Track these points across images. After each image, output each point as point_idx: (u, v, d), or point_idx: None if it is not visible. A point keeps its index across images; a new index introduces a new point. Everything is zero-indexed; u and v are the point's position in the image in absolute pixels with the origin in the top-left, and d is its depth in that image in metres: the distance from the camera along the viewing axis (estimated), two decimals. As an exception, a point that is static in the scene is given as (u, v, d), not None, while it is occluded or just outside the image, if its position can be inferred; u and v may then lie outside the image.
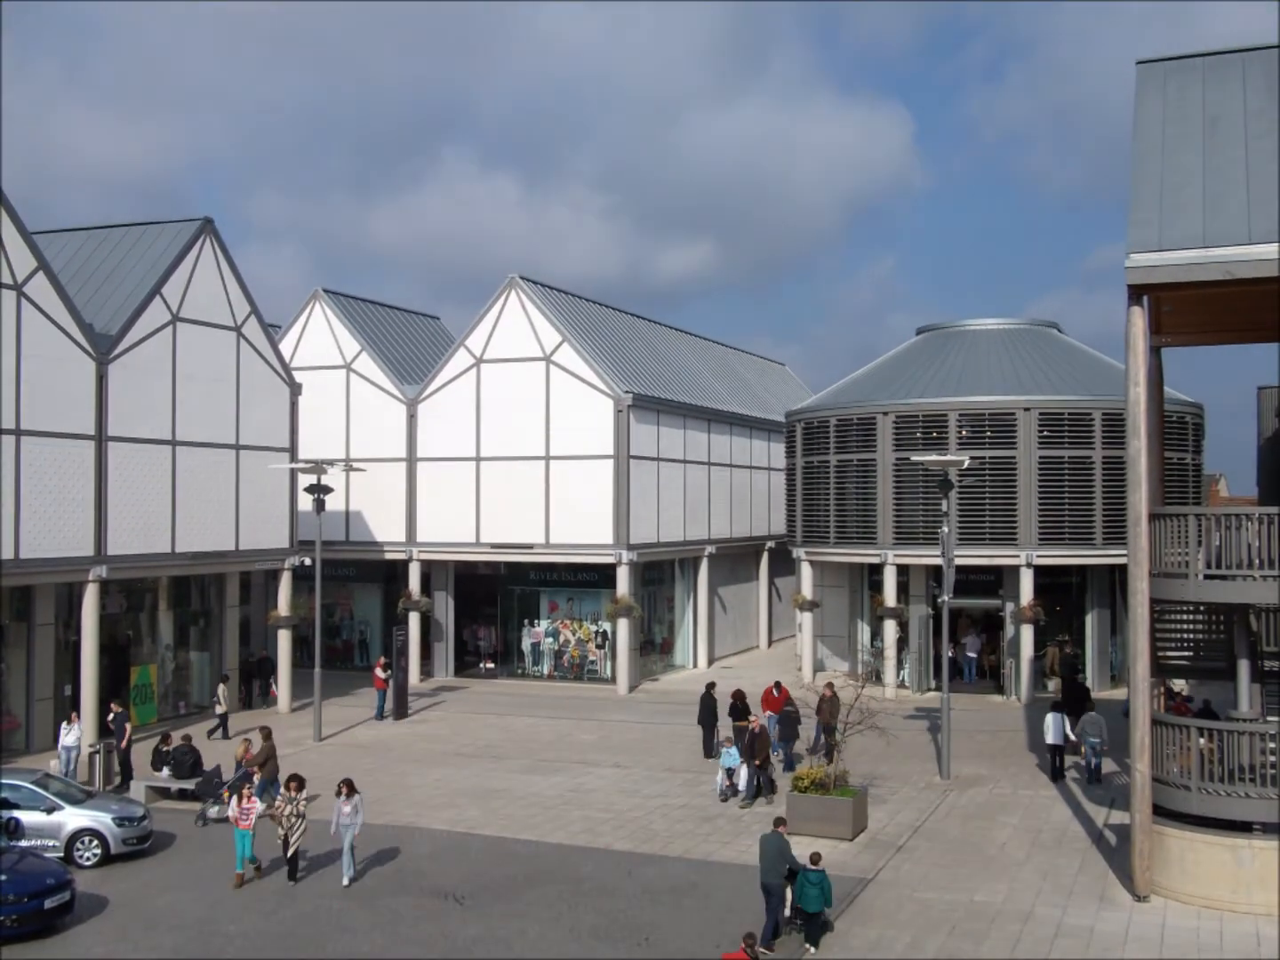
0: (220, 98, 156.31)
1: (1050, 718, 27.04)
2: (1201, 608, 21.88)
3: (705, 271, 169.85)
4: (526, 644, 43.71)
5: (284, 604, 36.78)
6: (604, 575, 41.22)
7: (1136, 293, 18.95)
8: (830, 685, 28.23)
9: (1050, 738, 26.93)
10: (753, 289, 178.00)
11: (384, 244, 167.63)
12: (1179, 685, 30.88)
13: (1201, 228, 18.57)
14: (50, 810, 21.04)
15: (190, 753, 25.64)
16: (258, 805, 20.81)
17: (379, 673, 35.62)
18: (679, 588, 46.74)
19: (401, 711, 35.21)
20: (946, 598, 28.57)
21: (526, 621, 43.78)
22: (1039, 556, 36.90)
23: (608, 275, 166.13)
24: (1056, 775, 26.83)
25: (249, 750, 25.74)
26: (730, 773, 25.37)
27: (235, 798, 20.66)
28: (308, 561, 34.84)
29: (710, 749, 29.38)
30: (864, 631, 42.61)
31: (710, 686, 30.27)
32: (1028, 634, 37.06)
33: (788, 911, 17.14)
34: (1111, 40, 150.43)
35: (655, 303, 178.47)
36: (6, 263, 28.04)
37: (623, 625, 40.34)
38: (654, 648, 45.02)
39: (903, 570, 39.10)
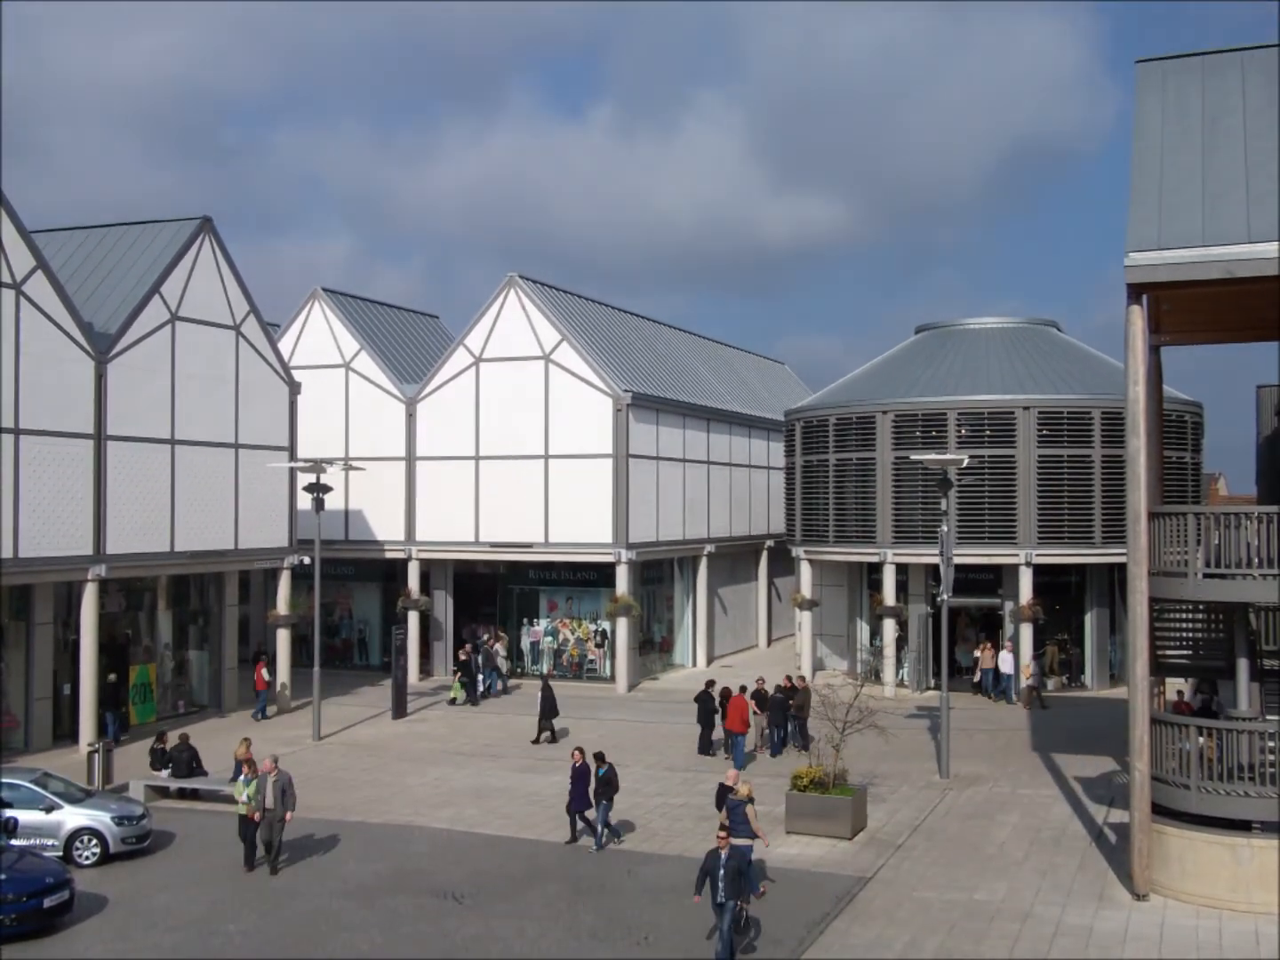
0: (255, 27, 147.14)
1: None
2: (1201, 607, 21.88)
3: (825, 237, 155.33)
4: (526, 643, 43.70)
5: (283, 603, 36.76)
6: (603, 574, 41.21)
7: (1136, 291, 18.95)
8: (800, 678, 29.42)
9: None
10: (881, 259, 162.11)
11: (432, 201, 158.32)
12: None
13: (1201, 226, 18.57)
14: (49, 809, 21.02)
15: (188, 751, 25.63)
16: None
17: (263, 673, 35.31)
18: (678, 587, 46.73)
19: (400, 711, 35.19)
20: (946, 596, 28.58)
21: (526, 620, 43.76)
22: (1038, 555, 36.91)
23: (709, 234, 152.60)
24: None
25: (249, 749, 25.74)
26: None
27: None
28: (307, 560, 34.80)
29: (706, 746, 29.48)
30: (863, 630, 42.62)
31: (709, 685, 30.34)
32: (1027, 633, 37.07)
33: None
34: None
35: (763, 269, 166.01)
36: (5, 262, 28.01)
37: (622, 624, 40.32)
38: (653, 647, 45.00)
39: (902, 569, 39.11)
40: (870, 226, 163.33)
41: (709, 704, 29.66)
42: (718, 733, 29.67)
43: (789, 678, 31.78)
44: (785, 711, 29.95)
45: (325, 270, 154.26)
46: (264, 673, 35.31)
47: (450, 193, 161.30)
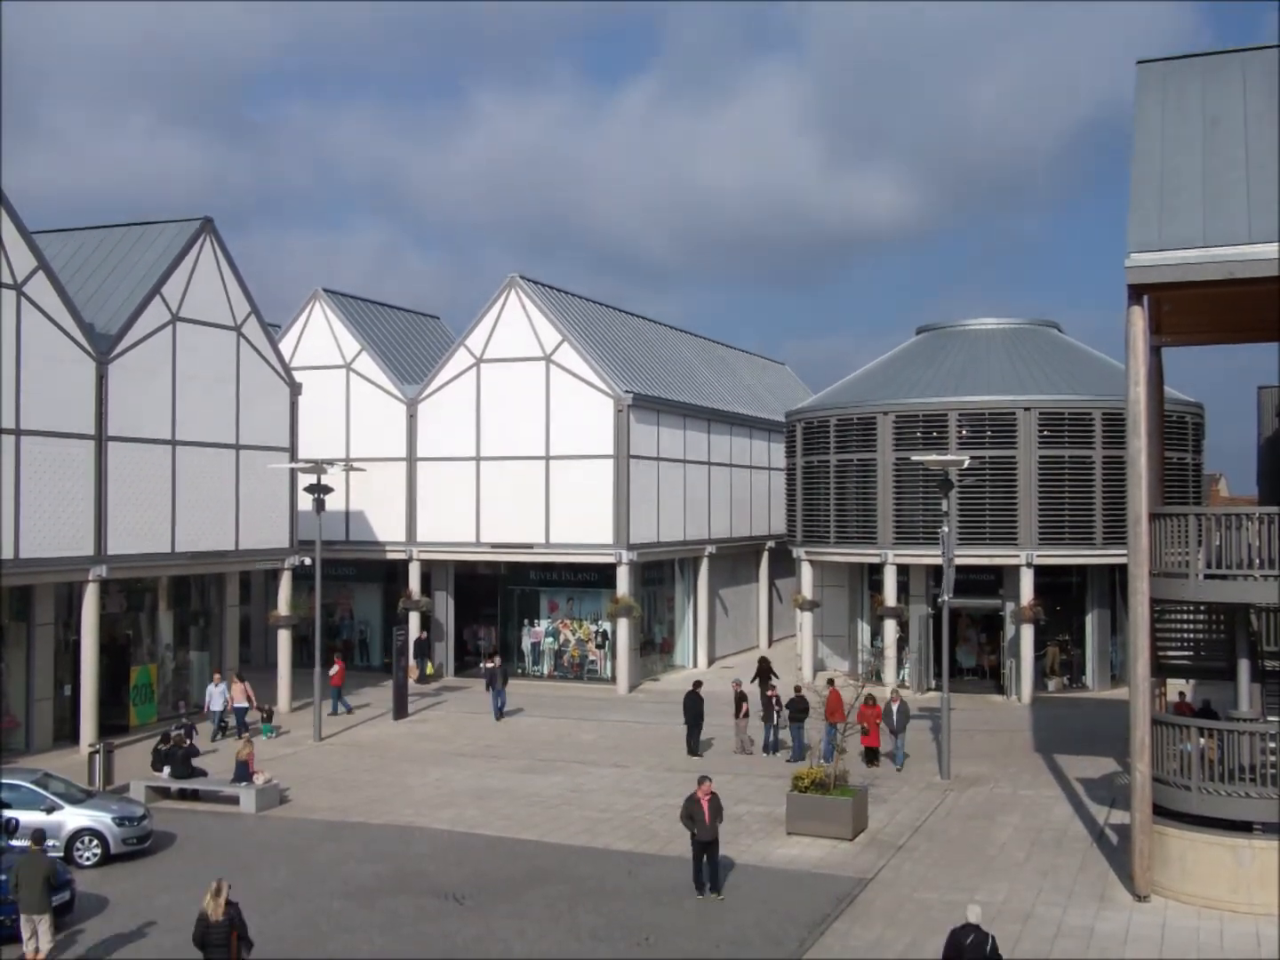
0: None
1: None
2: (1202, 607, 21.88)
3: (881, 224, 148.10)
4: (526, 644, 43.70)
5: (284, 604, 36.75)
6: (604, 575, 41.20)
7: (1137, 292, 18.96)
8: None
9: None
10: (941, 247, 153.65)
11: (458, 187, 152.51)
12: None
13: (1201, 227, 18.57)
14: (50, 810, 21.02)
15: (183, 748, 25.63)
16: None
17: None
18: (679, 588, 46.72)
19: (401, 711, 35.19)
20: (947, 597, 28.57)
21: (526, 621, 43.76)
22: (1039, 556, 36.90)
23: (757, 220, 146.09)
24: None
25: (251, 750, 25.76)
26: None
27: None
28: (307, 561, 34.81)
29: (694, 747, 29.71)
30: (864, 631, 42.62)
31: (696, 685, 30.44)
32: (1028, 634, 37.06)
33: None
34: None
35: (812, 259, 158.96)
36: (6, 262, 28.01)
37: (623, 625, 40.31)
38: (654, 648, 44.99)
39: (903, 570, 39.11)
40: (932, 211, 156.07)
41: (696, 705, 29.71)
42: (709, 732, 29.80)
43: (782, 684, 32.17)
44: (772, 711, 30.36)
45: (346, 259, 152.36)
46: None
47: (479, 176, 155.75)
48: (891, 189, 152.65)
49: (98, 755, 26.08)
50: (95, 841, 20.90)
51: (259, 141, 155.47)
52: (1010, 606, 38.15)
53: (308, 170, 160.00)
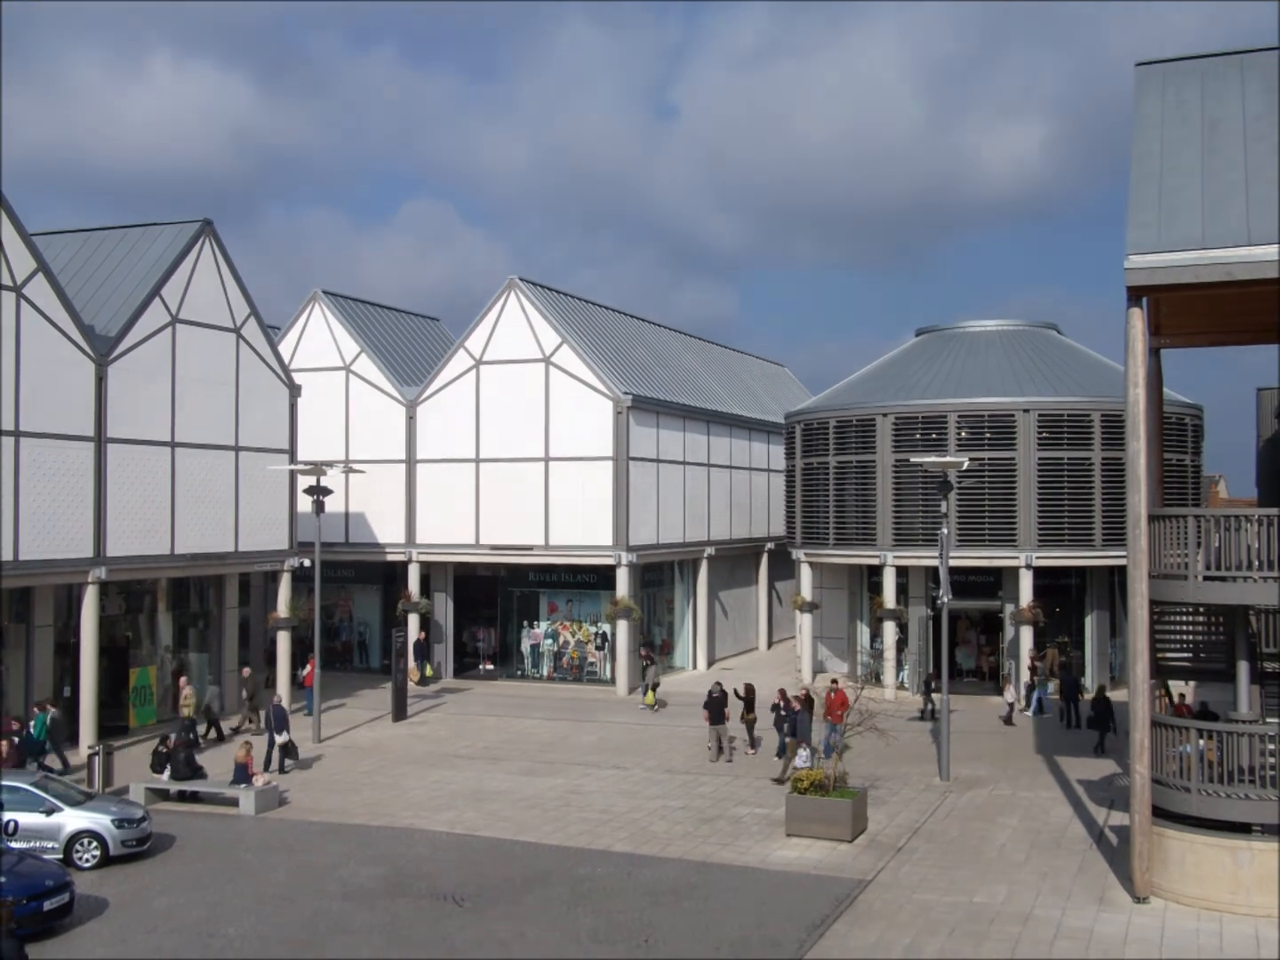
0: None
1: None
2: (1201, 609, 21.87)
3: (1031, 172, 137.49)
4: (526, 645, 43.69)
5: (283, 605, 36.74)
6: (603, 577, 41.21)
7: (1136, 294, 18.95)
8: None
9: None
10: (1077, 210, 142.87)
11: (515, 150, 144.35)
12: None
13: (1201, 229, 18.58)
14: (49, 812, 21.00)
15: (184, 750, 25.62)
16: None
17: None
18: (678, 589, 46.72)
19: (400, 713, 35.18)
20: (945, 599, 28.57)
21: (526, 623, 43.76)
22: (1038, 558, 36.90)
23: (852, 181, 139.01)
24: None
25: (250, 753, 25.76)
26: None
27: None
28: (307, 563, 34.80)
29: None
30: (863, 633, 42.62)
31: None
32: (1027, 635, 37.06)
33: None
34: None
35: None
36: (6, 264, 28.00)
37: (622, 627, 40.32)
38: (654, 649, 44.94)
39: (902, 572, 39.10)
40: (1062, 175, 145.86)
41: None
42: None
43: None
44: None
45: (386, 233, 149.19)
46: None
47: (537, 141, 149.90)
48: (1011, 149, 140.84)
49: (97, 757, 26.06)
50: (94, 843, 20.88)
51: (300, 108, 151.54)
52: (1010, 608, 38.15)
53: (349, 134, 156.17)
